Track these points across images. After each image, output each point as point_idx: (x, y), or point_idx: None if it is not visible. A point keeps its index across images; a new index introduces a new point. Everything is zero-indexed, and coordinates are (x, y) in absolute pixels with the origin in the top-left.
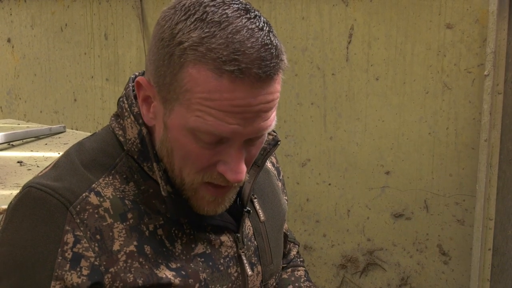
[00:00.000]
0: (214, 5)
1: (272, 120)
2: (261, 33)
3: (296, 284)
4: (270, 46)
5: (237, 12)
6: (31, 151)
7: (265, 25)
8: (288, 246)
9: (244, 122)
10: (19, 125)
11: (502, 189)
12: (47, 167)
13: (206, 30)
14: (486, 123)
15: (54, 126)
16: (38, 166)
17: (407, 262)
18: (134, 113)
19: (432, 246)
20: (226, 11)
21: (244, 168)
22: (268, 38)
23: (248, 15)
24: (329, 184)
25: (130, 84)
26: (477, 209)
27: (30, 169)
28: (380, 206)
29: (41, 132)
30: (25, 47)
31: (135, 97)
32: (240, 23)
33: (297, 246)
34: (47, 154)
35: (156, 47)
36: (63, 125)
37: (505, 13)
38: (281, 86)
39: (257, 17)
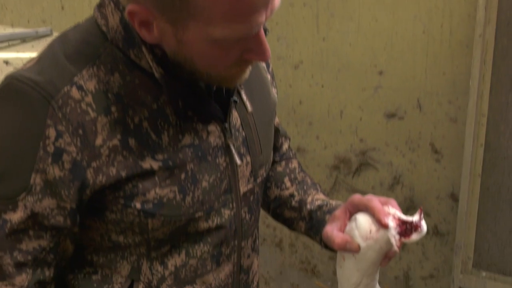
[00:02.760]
0: None
1: None
2: None
3: (292, 176)
4: None
5: None
6: (17, 52)
7: None
8: (280, 140)
9: (266, 10)
10: (5, 30)
11: (495, 85)
12: (31, 60)
13: None
14: (481, 18)
15: (41, 29)
16: None
17: (399, 161)
18: (114, 0)
19: (424, 144)
20: None
21: (268, 45)
22: None
23: None
24: (322, 86)
25: None
26: (469, 105)
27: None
28: (373, 107)
29: (27, 35)
30: None
31: None
32: None
33: (288, 139)
34: (34, 55)
35: None
36: (49, 28)
37: None
38: None
39: None
